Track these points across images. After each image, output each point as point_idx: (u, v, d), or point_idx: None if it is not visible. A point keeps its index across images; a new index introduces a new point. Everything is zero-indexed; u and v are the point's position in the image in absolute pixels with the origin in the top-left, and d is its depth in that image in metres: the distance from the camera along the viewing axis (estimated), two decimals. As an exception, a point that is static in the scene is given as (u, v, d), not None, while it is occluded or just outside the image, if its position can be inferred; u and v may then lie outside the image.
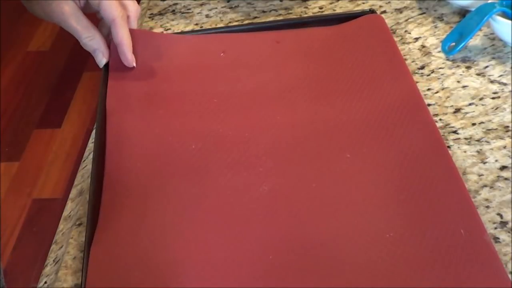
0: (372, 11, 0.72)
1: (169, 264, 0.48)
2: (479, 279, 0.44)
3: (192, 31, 0.75)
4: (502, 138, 0.57)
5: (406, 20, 0.74)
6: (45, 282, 0.51)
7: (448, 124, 0.60)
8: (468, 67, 0.66)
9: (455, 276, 0.45)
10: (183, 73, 0.66)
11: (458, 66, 0.66)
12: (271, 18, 0.77)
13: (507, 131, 0.58)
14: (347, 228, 0.49)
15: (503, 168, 0.55)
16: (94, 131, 0.62)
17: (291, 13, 0.78)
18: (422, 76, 0.66)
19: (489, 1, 0.67)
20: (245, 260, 0.48)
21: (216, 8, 0.80)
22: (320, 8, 0.78)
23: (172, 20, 0.80)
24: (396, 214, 0.50)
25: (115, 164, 0.57)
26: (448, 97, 0.63)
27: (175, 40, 0.71)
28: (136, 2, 0.69)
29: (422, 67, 0.67)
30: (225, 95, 0.63)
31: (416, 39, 0.71)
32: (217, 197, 0.53)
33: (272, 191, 0.53)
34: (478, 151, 0.57)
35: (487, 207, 0.52)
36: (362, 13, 0.72)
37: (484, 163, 0.55)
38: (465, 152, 0.57)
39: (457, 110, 0.61)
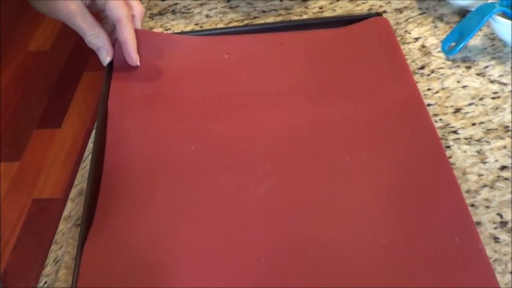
0: (378, 14, 0.72)
1: (162, 265, 0.48)
2: (470, 287, 0.44)
3: (196, 32, 0.75)
4: (502, 138, 0.57)
5: (406, 20, 0.74)
6: (45, 282, 0.51)
7: (448, 124, 0.60)
8: (468, 67, 0.66)
9: (447, 284, 0.45)
10: (186, 74, 0.66)
11: (458, 66, 0.66)
12: (271, 18, 0.77)
13: (507, 131, 0.58)
14: (341, 233, 0.49)
15: (503, 168, 0.55)
16: (94, 131, 0.62)
17: (291, 13, 0.78)
18: (422, 76, 0.66)
19: (489, 1, 0.67)
20: (237, 262, 0.48)
21: (216, 8, 0.80)
22: (320, 8, 0.78)
23: (172, 20, 0.80)
24: (392, 221, 0.49)
25: (113, 164, 0.57)
26: (448, 97, 0.63)
27: (180, 41, 0.71)
28: (140, 3, 0.69)
29: (422, 67, 0.67)
30: (227, 96, 0.63)
31: (416, 39, 0.71)
32: (213, 199, 0.53)
33: (268, 194, 0.53)
34: (478, 151, 0.57)
35: (487, 207, 0.52)
36: (368, 16, 0.72)
37: (484, 163, 0.55)
38: (465, 152, 0.57)
39: (457, 110, 0.61)
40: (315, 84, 0.64)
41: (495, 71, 0.65)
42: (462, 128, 0.59)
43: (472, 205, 0.52)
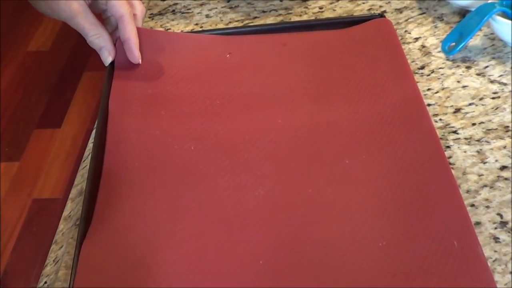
0: (381, 15, 0.72)
1: (160, 265, 0.48)
2: None
3: (196, 32, 0.75)
4: (502, 138, 0.57)
5: (406, 20, 0.74)
6: (45, 282, 0.51)
7: (448, 124, 0.60)
8: (468, 67, 0.66)
9: (444, 286, 0.45)
10: (188, 74, 0.66)
11: (458, 66, 0.66)
12: (271, 18, 0.77)
13: (507, 131, 0.58)
14: (340, 234, 0.49)
15: (503, 168, 0.55)
16: (94, 131, 0.62)
17: (291, 13, 0.78)
18: (422, 76, 0.66)
19: (489, 1, 0.67)
20: (236, 262, 0.48)
21: (216, 8, 0.80)
22: (320, 8, 0.78)
23: (172, 20, 0.80)
24: (390, 223, 0.49)
25: (113, 163, 0.57)
26: (448, 97, 0.63)
27: (181, 39, 0.71)
28: (141, 2, 0.69)
29: (422, 67, 0.67)
30: (228, 96, 0.63)
31: (416, 39, 0.71)
32: (212, 199, 0.53)
33: (267, 195, 0.53)
34: (478, 151, 0.57)
35: (487, 207, 0.52)
36: (371, 17, 0.71)
37: (484, 163, 0.55)
38: (465, 152, 0.57)
39: (457, 110, 0.61)
40: (316, 85, 0.64)
41: (495, 71, 0.65)
42: (462, 128, 0.59)
43: (472, 205, 0.52)
